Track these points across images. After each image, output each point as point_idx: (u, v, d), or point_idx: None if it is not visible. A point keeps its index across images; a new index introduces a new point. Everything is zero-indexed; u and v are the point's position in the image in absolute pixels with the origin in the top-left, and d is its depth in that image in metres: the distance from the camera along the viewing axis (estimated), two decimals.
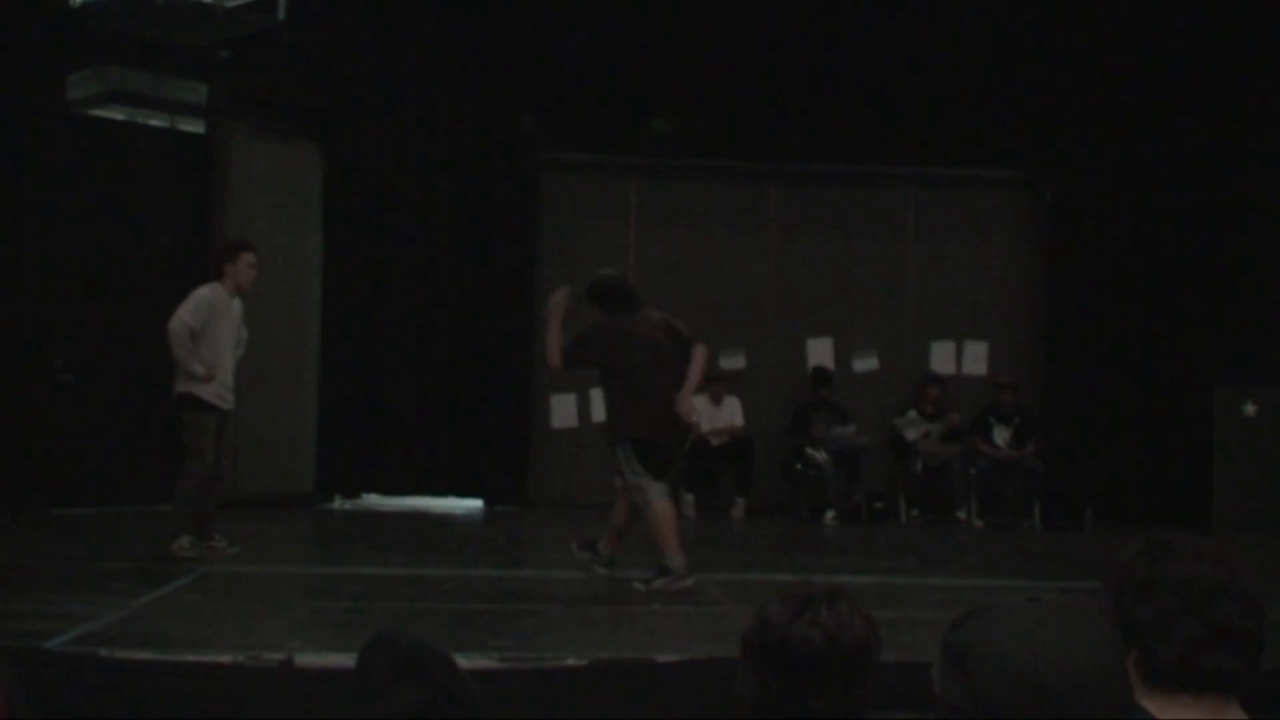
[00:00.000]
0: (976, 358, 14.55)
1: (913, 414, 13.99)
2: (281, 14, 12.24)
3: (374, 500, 13.88)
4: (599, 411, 14.15)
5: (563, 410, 14.16)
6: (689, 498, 13.69)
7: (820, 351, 14.34)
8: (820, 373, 14.17)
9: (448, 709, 2.18)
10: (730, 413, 13.96)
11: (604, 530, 9.13)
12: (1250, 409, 13.40)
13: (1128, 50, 13.83)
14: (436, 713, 2.16)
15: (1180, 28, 13.61)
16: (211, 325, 9.51)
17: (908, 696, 2.64)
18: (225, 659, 5.93)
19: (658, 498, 8.72)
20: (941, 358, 14.50)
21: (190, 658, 5.98)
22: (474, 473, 13.82)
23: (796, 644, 2.47)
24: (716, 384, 13.82)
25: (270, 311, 13.02)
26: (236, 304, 9.78)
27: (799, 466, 13.81)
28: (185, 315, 9.41)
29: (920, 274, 14.63)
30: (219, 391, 9.55)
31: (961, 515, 13.74)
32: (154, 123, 13.16)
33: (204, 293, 9.59)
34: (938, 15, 13.95)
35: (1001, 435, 13.98)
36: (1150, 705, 2.35)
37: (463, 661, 5.31)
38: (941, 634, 2.10)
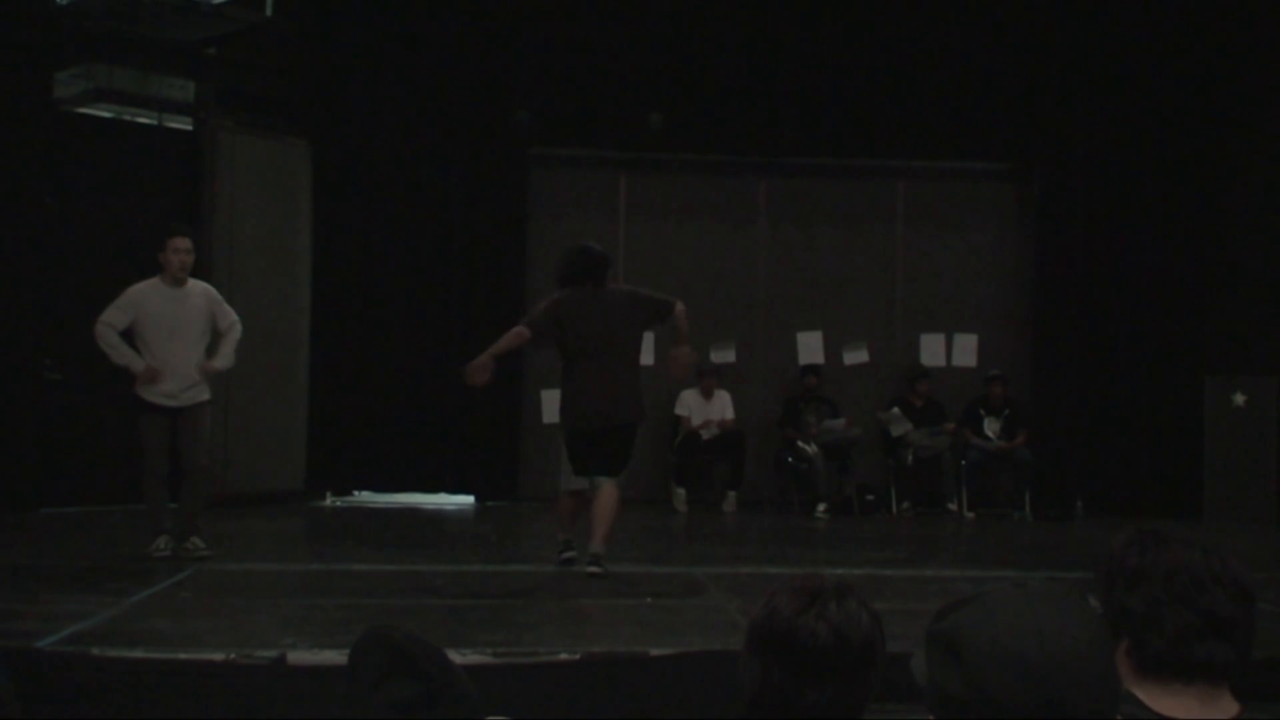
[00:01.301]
0: (966, 350, 14.55)
1: (896, 410, 14.00)
2: (268, 9, 12.23)
3: (365, 497, 13.88)
4: None
5: (554, 405, 14.07)
6: (680, 492, 13.72)
7: (810, 345, 14.34)
8: (810, 366, 14.18)
9: (440, 704, 2.18)
10: (721, 406, 13.97)
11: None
12: (1240, 399, 13.44)
13: (1115, 41, 13.84)
14: (428, 707, 2.16)
15: (1168, 18, 13.62)
16: (146, 321, 9.13)
17: (898, 688, 2.64)
18: (218, 657, 5.93)
19: (564, 488, 9.15)
20: (931, 350, 14.51)
21: (182, 656, 5.97)
22: (465, 469, 13.82)
23: (803, 637, 2.47)
24: (708, 378, 13.84)
25: (260, 308, 13.02)
26: (195, 291, 9.35)
27: (790, 460, 13.82)
28: (106, 315, 9.10)
29: (909, 266, 14.65)
30: (167, 391, 9.12)
31: (952, 507, 13.79)
32: (142, 120, 13.15)
33: (132, 288, 9.22)
34: (925, 8, 13.95)
35: (991, 427, 14.00)
36: (1141, 694, 2.36)
37: (456, 657, 5.31)
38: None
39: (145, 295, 9.17)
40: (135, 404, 9.14)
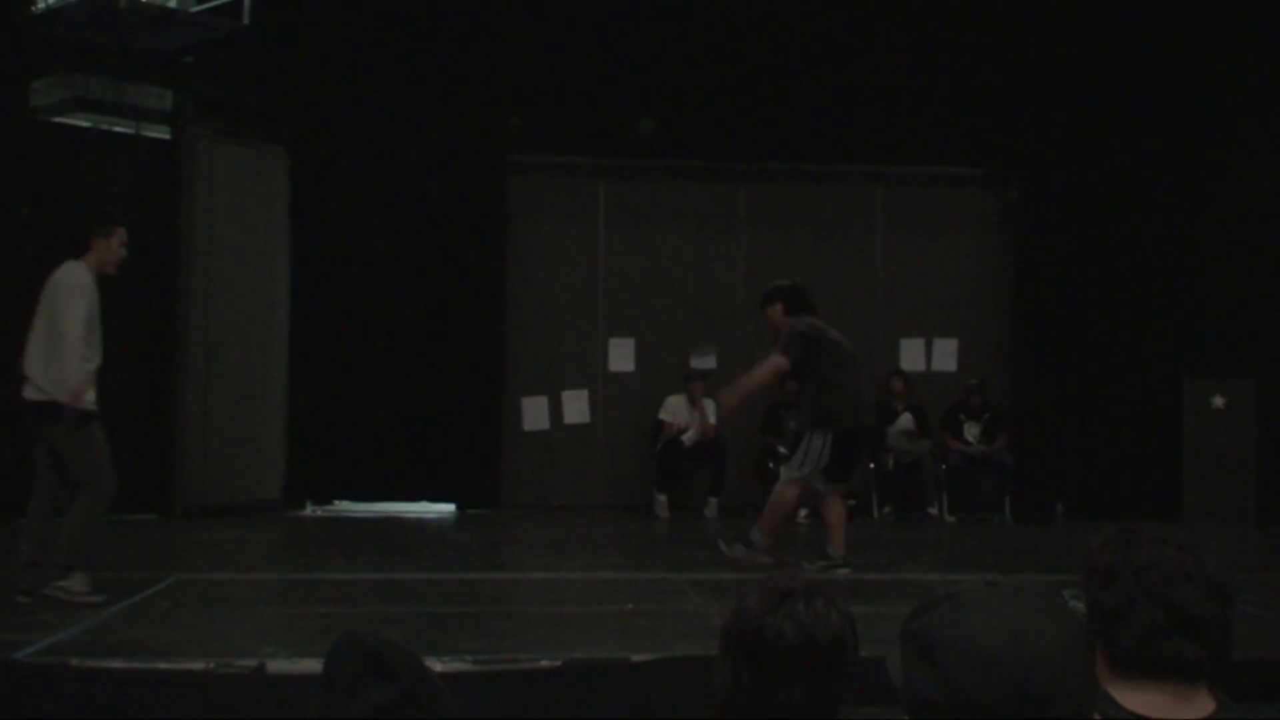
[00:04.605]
0: (946, 354, 14.59)
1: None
2: (246, 18, 12.22)
3: (345, 506, 13.81)
4: (571, 414, 14.25)
5: (535, 413, 14.15)
6: (661, 498, 13.70)
7: None
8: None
9: (415, 709, 2.18)
10: (705, 413, 13.95)
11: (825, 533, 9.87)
12: (1219, 401, 13.48)
13: (1093, 46, 13.87)
14: (404, 713, 2.16)
15: (1146, 22, 13.67)
16: (93, 314, 8.04)
17: (879, 691, 2.64)
18: (197, 666, 5.91)
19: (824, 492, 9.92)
20: (911, 355, 14.54)
21: (162, 665, 5.96)
22: (446, 477, 13.77)
23: (770, 636, 2.48)
24: (695, 383, 13.83)
25: (238, 317, 13.00)
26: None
27: (771, 465, 13.79)
28: (79, 316, 7.90)
29: (889, 272, 14.66)
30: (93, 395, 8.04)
31: (933, 511, 13.80)
32: (119, 129, 13.10)
33: (83, 273, 8.07)
34: (903, 14, 13.97)
35: (971, 431, 14.02)
36: (1114, 691, 2.36)
37: (437, 665, 5.30)
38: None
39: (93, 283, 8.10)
40: (81, 416, 7.87)
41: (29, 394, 8.02)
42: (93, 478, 7.92)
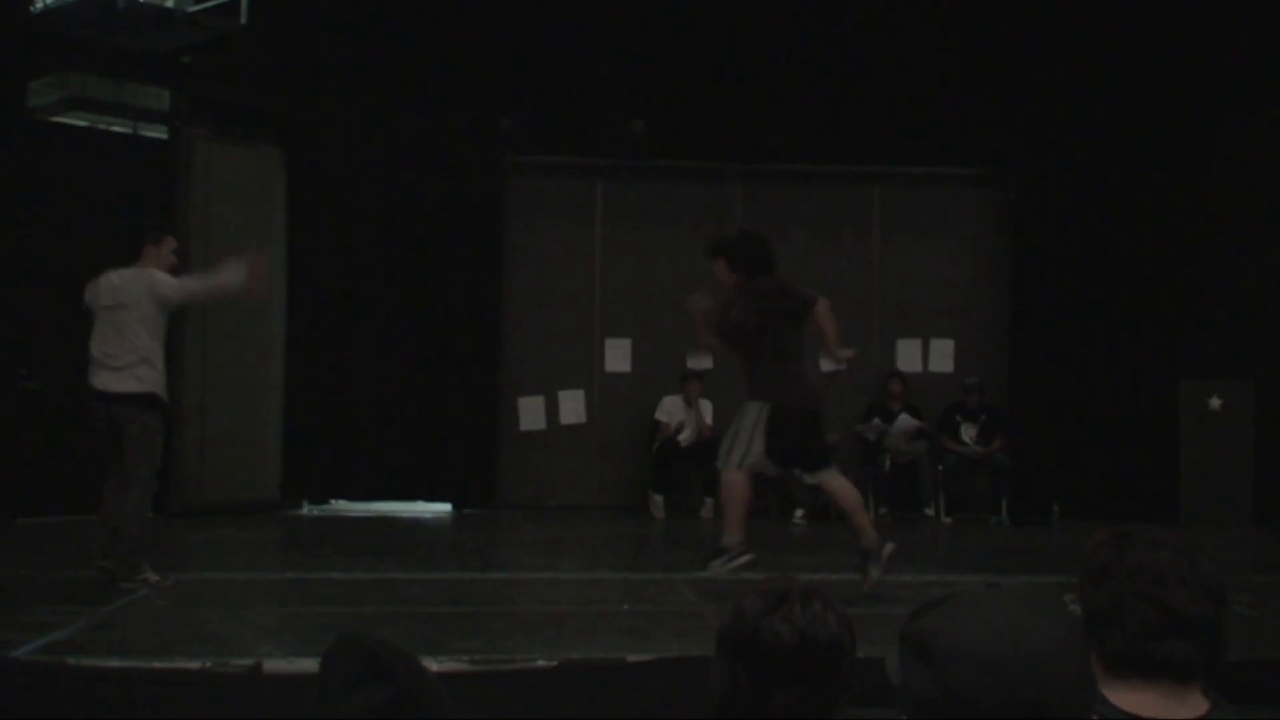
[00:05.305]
0: (943, 355, 14.59)
1: (877, 421, 13.96)
2: (243, 18, 12.21)
3: (342, 505, 13.82)
4: (567, 414, 14.25)
5: (531, 413, 14.15)
6: (657, 498, 13.71)
7: None
8: None
9: (411, 709, 2.18)
10: (701, 413, 13.96)
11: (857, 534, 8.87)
12: (1216, 403, 13.49)
13: (1091, 46, 13.88)
14: (400, 713, 2.16)
15: (1144, 22, 13.68)
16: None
17: (875, 691, 2.65)
18: (194, 665, 5.91)
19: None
20: (908, 355, 14.53)
21: (159, 665, 5.96)
22: (442, 476, 13.78)
23: (767, 638, 2.48)
24: (692, 383, 13.84)
25: (234, 317, 12.98)
26: None
27: None
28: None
29: (886, 272, 14.66)
30: None
31: (930, 512, 13.80)
32: (116, 129, 13.11)
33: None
34: (900, 14, 13.98)
35: (968, 432, 14.03)
36: (1107, 691, 2.36)
37: (433, 665, 5.30)
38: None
39: None
40: (155, 402, 8.54)
41: (117, 385, 8.43)
42: (151, 469, 8.43)
